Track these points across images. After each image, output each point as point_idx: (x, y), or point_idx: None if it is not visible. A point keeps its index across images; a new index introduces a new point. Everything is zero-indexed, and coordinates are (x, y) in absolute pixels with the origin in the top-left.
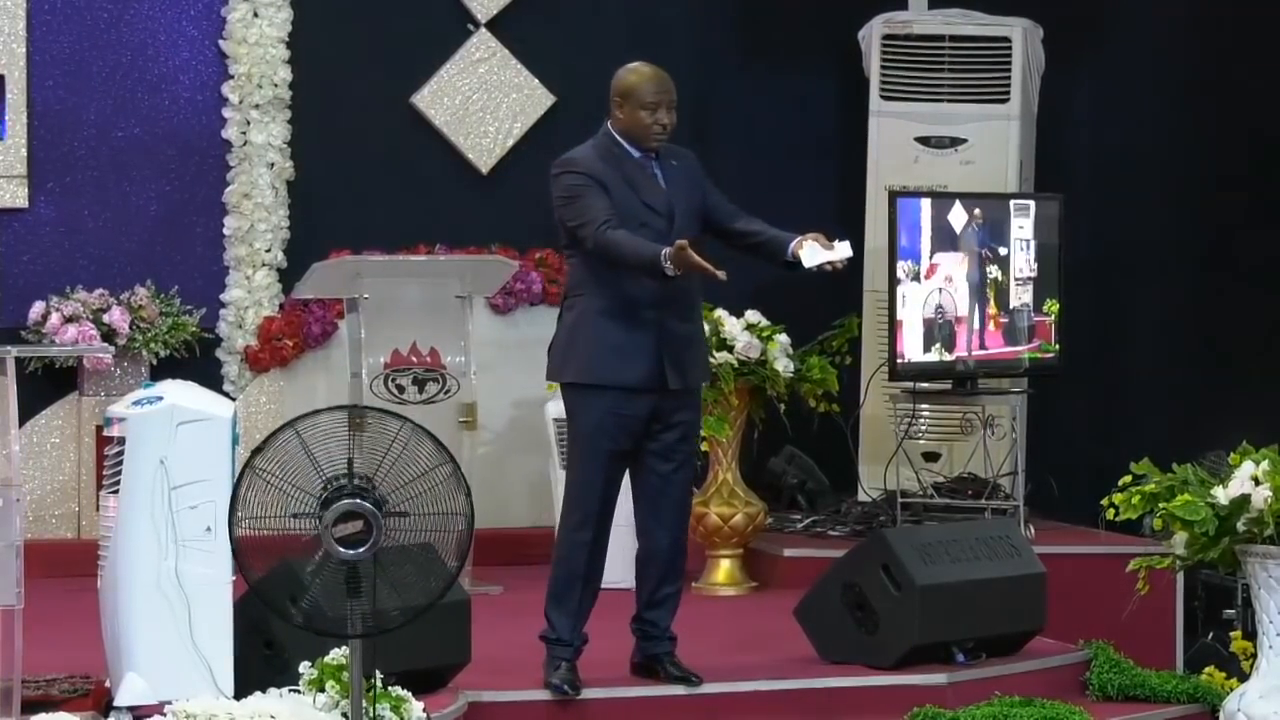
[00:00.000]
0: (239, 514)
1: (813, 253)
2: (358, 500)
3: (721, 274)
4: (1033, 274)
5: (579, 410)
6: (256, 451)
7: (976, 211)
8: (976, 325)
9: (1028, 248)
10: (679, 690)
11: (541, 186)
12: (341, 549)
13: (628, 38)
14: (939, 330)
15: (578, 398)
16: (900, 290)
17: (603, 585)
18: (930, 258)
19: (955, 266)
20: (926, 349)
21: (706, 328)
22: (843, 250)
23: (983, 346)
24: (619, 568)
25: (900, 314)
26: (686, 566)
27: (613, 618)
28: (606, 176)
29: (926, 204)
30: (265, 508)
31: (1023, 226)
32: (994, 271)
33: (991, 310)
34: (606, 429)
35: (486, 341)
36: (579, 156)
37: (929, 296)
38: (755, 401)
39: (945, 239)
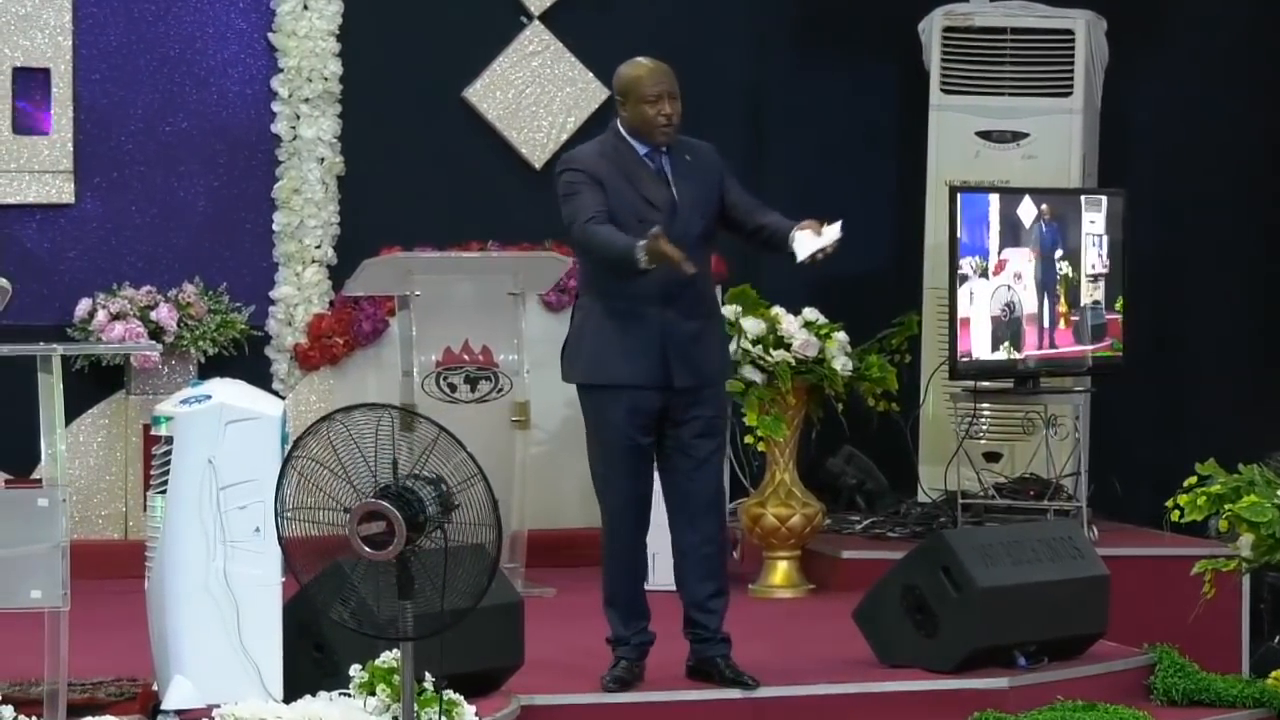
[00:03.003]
0: (280, 507)
1: (803, 244)
2: (379, 500)
3: (689, 267)
4: (1105, 270)
5: (591, 410)
6: (297, 444)
7: (1044, 207)
8: (1046, 323)
9: (1100, 243)
10: (735, 694)
11: None
12: (368, 549)
13: (683, 29)
14: (1007, 328)
15: (588, 398)
16: (968, 287)
17: (658, 587)
18: (999, 253)
19: (1024, 263)
20: (995, 347)
21: (762, 326)
22: (831, 234)
23: (1053, 345)
24: (671, 570)
25: (967, 311)
26: (737, 567)
27: (669, 620)
28: (604, 172)
29: (995, 199)
30: (303, 502)
31: (1094, 221)
32: (1064, 268)
33: (1062, 308)
34: (618, 426)
35: (539, 339)
36: (579, 154)
37: (996, 293)
38: (813, 400)
39: (1013, 234)
